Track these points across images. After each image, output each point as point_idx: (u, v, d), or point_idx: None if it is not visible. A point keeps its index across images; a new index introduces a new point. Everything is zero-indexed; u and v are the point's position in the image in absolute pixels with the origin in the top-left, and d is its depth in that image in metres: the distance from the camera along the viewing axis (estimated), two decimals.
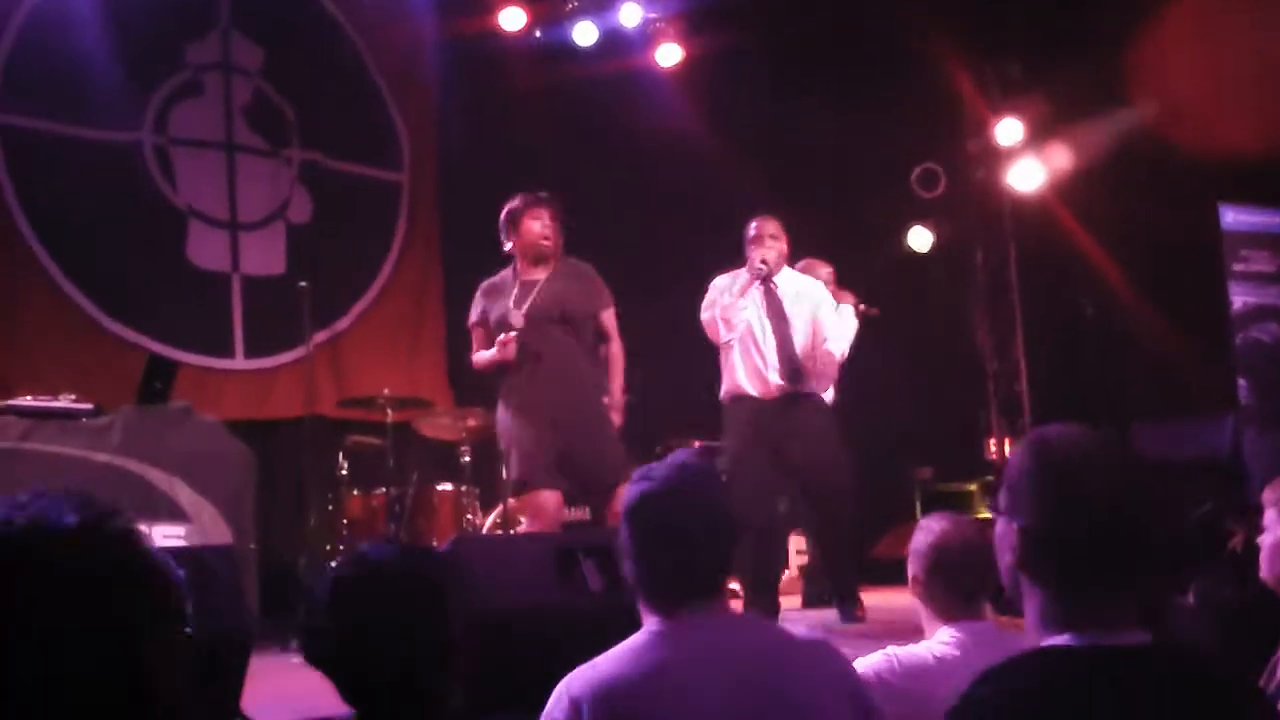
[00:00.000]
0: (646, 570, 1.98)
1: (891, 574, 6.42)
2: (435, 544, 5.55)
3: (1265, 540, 2.56)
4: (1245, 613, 2.71)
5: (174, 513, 4.64)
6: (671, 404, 6.67)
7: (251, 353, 6.86)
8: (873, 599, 5.57)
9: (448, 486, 6.14)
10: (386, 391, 6.16)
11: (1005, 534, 1.54)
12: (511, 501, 5.53)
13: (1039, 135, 7.99)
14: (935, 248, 8.19)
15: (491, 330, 4.83)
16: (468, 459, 6.16)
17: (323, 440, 6.09)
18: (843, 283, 6.11)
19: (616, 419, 4.91)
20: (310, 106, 7.20)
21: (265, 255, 7.01)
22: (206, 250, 6.84)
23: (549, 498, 4.70)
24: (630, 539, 2.00)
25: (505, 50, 7.63)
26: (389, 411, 6.09)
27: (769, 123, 7.88)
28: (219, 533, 4.70)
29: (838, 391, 5.85)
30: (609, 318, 4.97)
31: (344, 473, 6.09)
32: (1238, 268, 7.57)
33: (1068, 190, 7.93)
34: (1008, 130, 8.02)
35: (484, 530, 6.01)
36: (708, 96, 7.88)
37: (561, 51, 7.68)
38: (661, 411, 6.56)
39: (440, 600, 1.80)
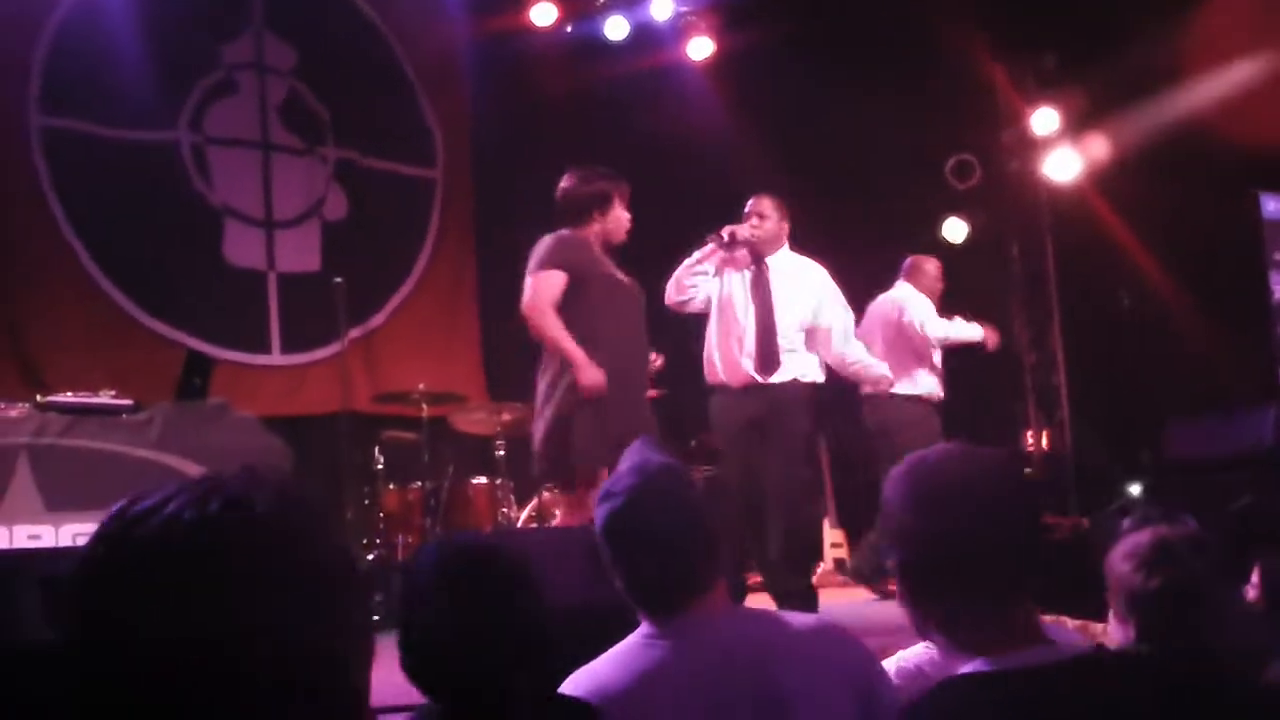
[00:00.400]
0: (630, 582, 1.97)
1: None
2: None
3: None
4: None
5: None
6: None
7: (288, 349, 6.91)
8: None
9: (482, 480, 6.16)
10: (421, 386, 6.19)
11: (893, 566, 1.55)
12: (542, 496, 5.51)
13: (1075, 125, 7.91)
14: (970, 239, 8.13)
15: (587, 284, 4.45)
16: (502, 453, 6.18)
17: (358, 435, 6.12)
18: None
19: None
20: (344, 105, 7.25)
21: (300, 252, 7.06)
22: (242, 248, 6.90)
23: None
24: (608, 557, 1.99)
25: (537, 46, 7.64)
26: (424, 406, 6.12)
27: (801, 115, 7.84)
28: None
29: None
30: None
31: (380, 467, 6.13)
32: (1279, 257, 7.48)
33: (1105, 180, 7.85)
34: (1043, 120, 7.95)
35: (519, 524, 6.03)
36: (739, 90, 7.86)
37: (593, 46, 7.68)
38: (698, 408, 6.57)
39: (531, 589, 1.82)
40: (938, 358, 6.21)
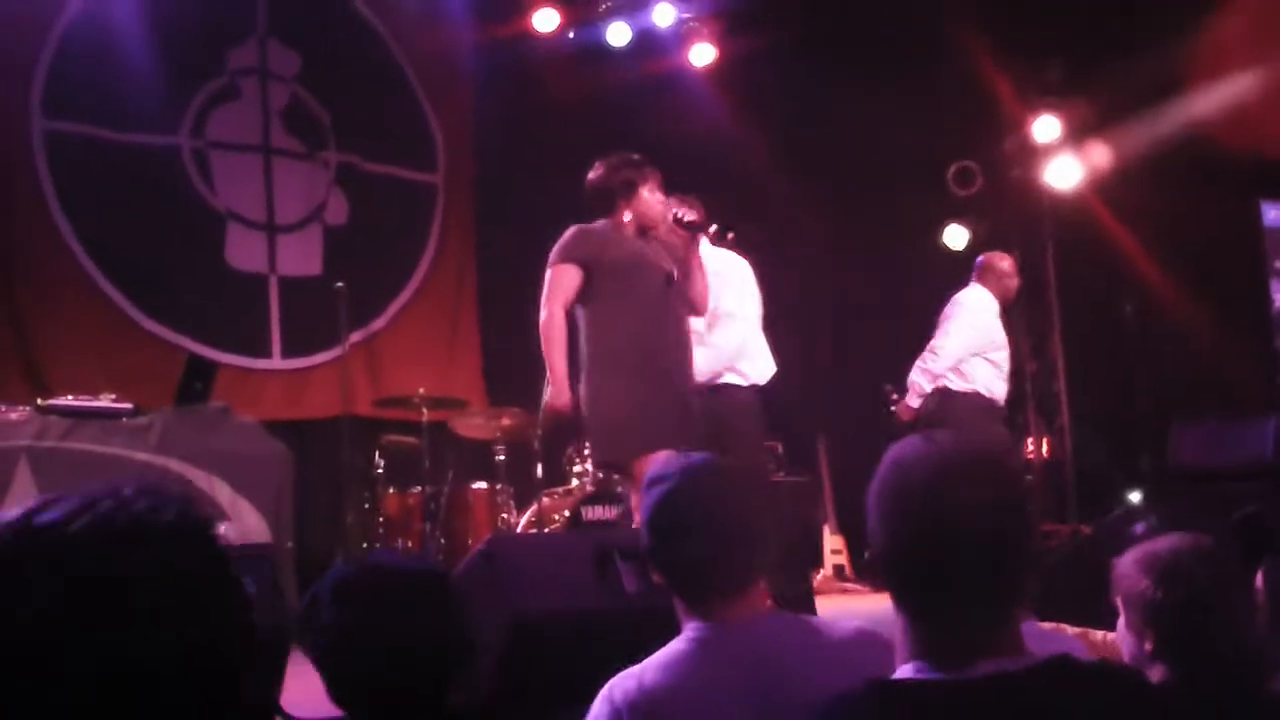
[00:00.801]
0: (670, 568, 2.00)
1: None
2: (471, 542, 5.59)
3: None
4: None
5: (214, 511, 4.68)
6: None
7: (289, 353, 6.91)
8: None
9: (482, 485, 6.17)
10: (422, 391, 6.20)
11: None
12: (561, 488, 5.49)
13: (1077, 133, 7.91)
14: (971, 246, 8.13)
15: (602, 272, 4.35)
16: (502, 458, 6.19)
17: (359, 439, 6.13)
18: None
19: None
20: (346, 110, 7.26)
21: (302, 257, 7.07)
22: (244, 252, 6.90)
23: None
24: (651, 545, 2.02)
25: (539, 52, 7.65)
26: (424, 411, 6.13)
27: (802, 121, 7.85)
28: (258, 531, 4.75)
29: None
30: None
31: (380, 471, 6.13)
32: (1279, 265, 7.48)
33: (1106, 188, 7.86)
34: (1045, 128, 7.96)
35: (518, 529, 6.03)
36: (741, 96, 7.86)
37: (595, 52, 7.69)
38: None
39: (444, 597, 1.83)
40: (998, 356, 6.06)
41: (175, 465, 4.73)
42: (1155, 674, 2.04)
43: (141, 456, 4.69)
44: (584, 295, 4.36)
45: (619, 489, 5.59)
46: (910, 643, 1.39)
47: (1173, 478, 6.09)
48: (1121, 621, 2.15)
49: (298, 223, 7.11)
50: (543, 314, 4.36)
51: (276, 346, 6.91)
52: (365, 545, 5.92)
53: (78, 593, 0.87)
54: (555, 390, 4.31)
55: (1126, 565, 2.13)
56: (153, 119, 6.59)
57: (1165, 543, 2.12)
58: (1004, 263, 6.23)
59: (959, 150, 8.13)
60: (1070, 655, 1.38)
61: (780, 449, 7.26)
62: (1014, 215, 8.41)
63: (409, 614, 1.81)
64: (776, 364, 5.14)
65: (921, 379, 5.93)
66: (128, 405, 4.83)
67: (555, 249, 4.43)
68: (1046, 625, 2.66)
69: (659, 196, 4.51)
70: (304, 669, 2.04)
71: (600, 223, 4.50)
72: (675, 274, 4.42)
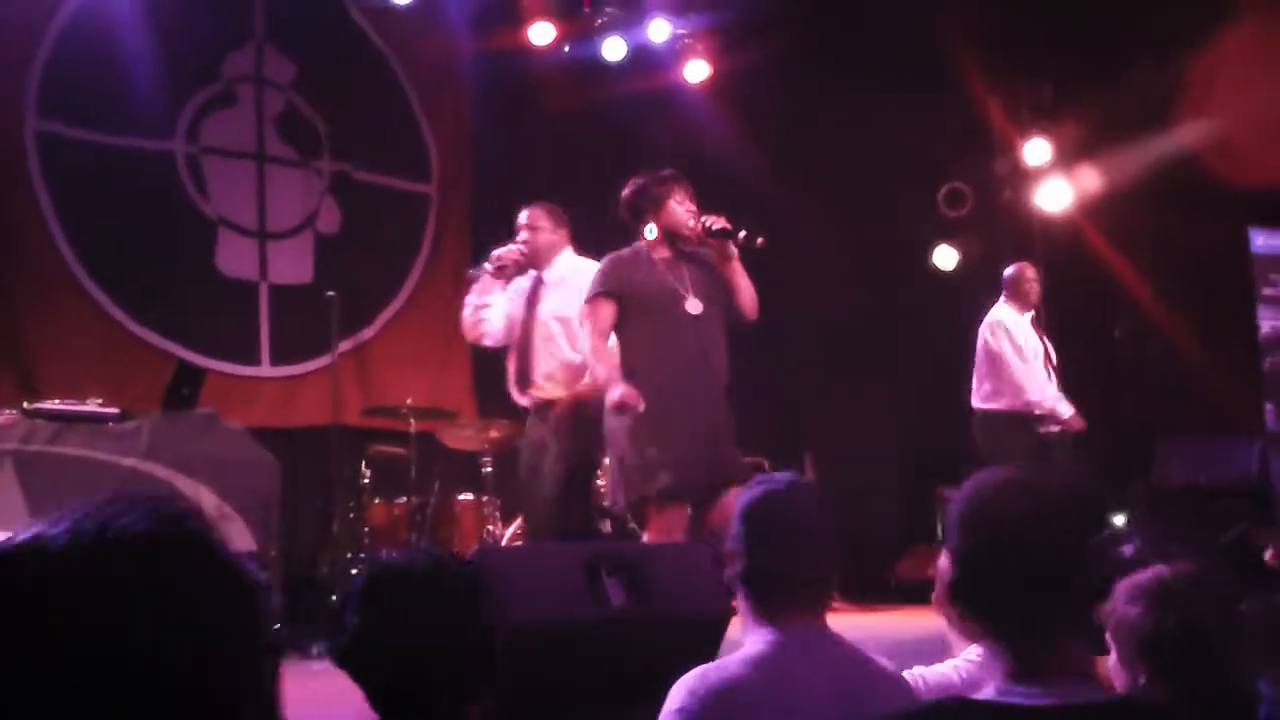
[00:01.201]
0: (763, 580, 2.08)
1: (914, 594, 6.39)
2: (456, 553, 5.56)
3: None
4: None
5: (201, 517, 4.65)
6: None
7: (277, 360, 6.90)
8: (895, 620, 5.54)
9: (469, 496, 6.16)
10: (410, 401, 6.18)
11: (945, 566, 1.60)
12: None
13: (1068, 156, 7.95)
14: (962, 267, 8.16)
15: (633, 304, 4.40)
16: (489, 469, 6.18)
17: (347, 448, 6.11)
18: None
19: None
20: (341, 119, 7.26)
21: (293, 264, 7.06)
22: (235, 259, 6.89)
23: (684, 514, 4.27)
24: (745, 537, 2.09)
25: (535, 65, 7.67)
26: (413, 421, 6.11)
27: (793, 140, 7.88)
28: (244, 539, 4.73)
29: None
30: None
31: (366, 481, 6.11)
32: (1267, 291, 7.52)
33: (1097, 211, 7.89)
34: (1036, 150, 7.99)
35: (504, 541, 6.01)
36: (734, 112, 7.89)
37: (591, 67, 7.70)
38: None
39: (474, 606, 1.81)
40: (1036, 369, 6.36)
41: (162, 471, 4.71)
42: None
43: (128, 462, 4.66)
44: (619, 324, 4.45)
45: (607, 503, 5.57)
46: (991, 665, 1.49)
47: (1160, 497, 6.13)
48: (1113, 656, 2.15)
49: (289, 230, 7.10)
50: (586, 346, 4.52)
51: (266, 354, 6.89)
52: (351, 555, 5.89)
53: (89, 608, 0.86)
54: (611, 390, 4.27)
55: (1115, 599, 2.14)
56: (147, 123, 6.57)
57: (1152, 572, 2.13)
58: (1026, 271, 6.58)
59: (950, 172, 8.17)
60: (1138, 697, 1.48)
61: (767, 466, 7.26)
62: (1004, 237, 8.44)
63: (435, 616, 1.79)
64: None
65: (1059, 405, 6.29)
66: (115, 410, 4.81)
67: (590, 281, 4.52)
68: None
69: (688, 206, 4.54)
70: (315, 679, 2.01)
71: (630, 249, 4.55)
72: (707, 302, 4.42)
